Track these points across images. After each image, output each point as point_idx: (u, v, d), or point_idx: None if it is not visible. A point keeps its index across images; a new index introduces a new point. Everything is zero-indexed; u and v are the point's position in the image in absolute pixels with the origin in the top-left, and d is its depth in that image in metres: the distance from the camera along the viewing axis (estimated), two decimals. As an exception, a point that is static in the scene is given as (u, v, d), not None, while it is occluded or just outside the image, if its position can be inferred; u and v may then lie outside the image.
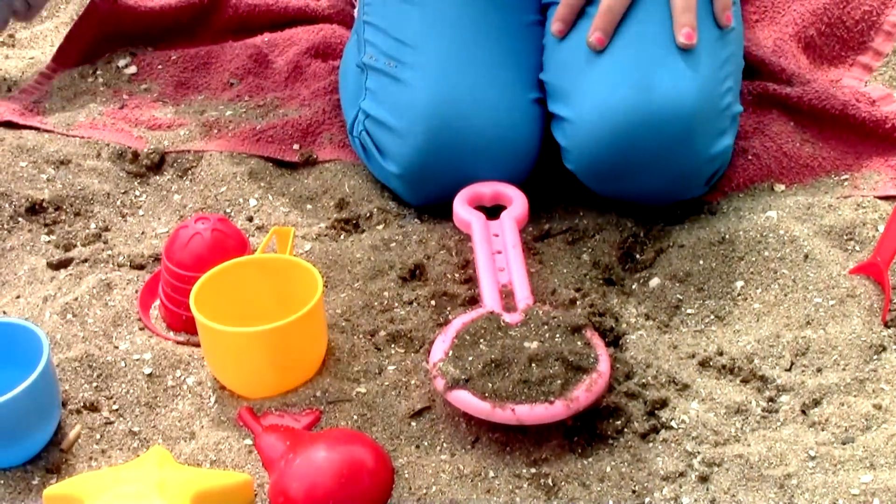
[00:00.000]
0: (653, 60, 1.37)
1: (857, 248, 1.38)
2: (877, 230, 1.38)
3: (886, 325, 1.28)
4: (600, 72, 1.39)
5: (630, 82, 1.36)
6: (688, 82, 1.36)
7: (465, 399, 1.16)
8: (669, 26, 1.38)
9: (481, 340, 1.20)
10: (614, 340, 1.30)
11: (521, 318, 1.22)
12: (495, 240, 1.34)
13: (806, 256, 1.36)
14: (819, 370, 1.25)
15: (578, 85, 1.41)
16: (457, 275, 1.39)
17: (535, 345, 1.18)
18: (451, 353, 1.20)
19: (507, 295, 1.28)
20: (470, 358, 1.18)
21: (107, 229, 1.50)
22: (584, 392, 1.16)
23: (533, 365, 1.16)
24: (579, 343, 1.20)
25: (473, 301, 1.34)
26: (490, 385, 1.16)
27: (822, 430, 1.18)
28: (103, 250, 1.46)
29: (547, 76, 1.46)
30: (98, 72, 1.81)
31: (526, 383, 1.15)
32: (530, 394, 1.15)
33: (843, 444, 1.16)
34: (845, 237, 1.40)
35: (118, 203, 1.55)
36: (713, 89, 1.40)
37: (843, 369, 1.24)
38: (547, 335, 1.20)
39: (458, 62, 1.44)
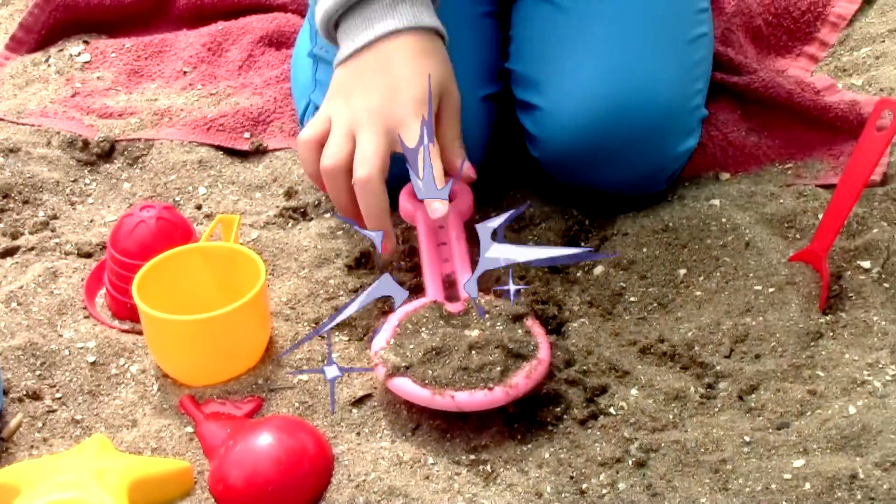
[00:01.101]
0: (629, 54, 1.40)
1: (798, 235, 1.41)
2: (817, 218, 1.40)
3: (824, 313, 1.30)
4: (576, 63, 1.41)
5: (606, 74, 1.39)
6: (662, 78, 1.40)
7: (405, 387, 1.18)
8: (645, 22, 1.42)
9: (423, 329, 1.21)
10: (557, 328, 1.32)
11: (463, 308, 1.24)
12: (441, 231, 1.36)
13: (747, 244, 1.38)
14: (757, 357, 1.27)
15: (553, 75, 1.43)
16: (402, 263, 1.40)
17: (475, 333, 1.20)
18: (392, 341, 1.21)
19: (450, 285, 1.29)
20: (411, 346, 1.20)
21: (55, 217, 1.52)
22: (523, 379, 1.17)
23: (473, 352, 1.18)
24: (520, 331, 1.21)
25: (419, 289, 1.36)
26: (430, 372, 1.17)
27: (758, 416, 1.20)
28: (51, 238, 1.47)
29: (516, 65, 1.48)
30: (51, 59, 1.83)
31: (466, 370, 1.17)
32: (470, 381, 1.16)
33: (778, 429, 1.18)
34: (786, 225, 1.42)
35: (67, 191, 1.56)
36: (685, 88, 1.44)
37: (781, 356, 1.26)
38: (488, 324, 1.21)
39: None
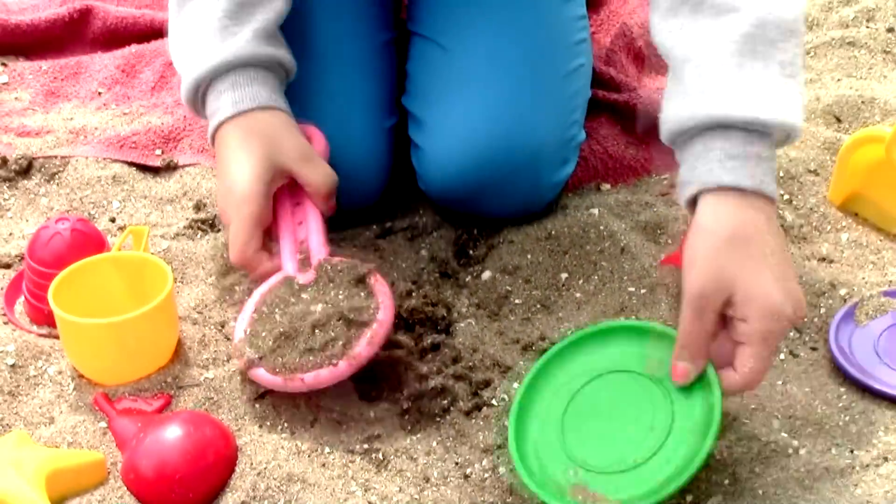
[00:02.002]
0: (504, 93, 1.46)
1: (669, 241, 1.51)
2: (686, 225, 1.49)
3: (691, 311, 1.41)
4: (453, 103, 1.47)
5: (481, 114, 1.45)
6: (538, 114, 1.47)
7: (261, 376, 1.27)
8: (520, 60, 1.48)
9: (276, 311, 1.30)
10: (446, 328, 1.41)
11: (314, 277, 1.32)
12: (297, 209, 1.41)
13: (623, 249, 1.48)
14: (630, 352, 1.37)
15: (431, 116, 1.50)
16: (304, 270, 1.49)
17: (319, 308, 1.28)
18: (248, 330, 1.30)
19: (303, 253, 1.36)
20: (263, 334, 1.28)
21: (-25, 231, 1.59)
22: (365, 347, 1.26)
23: (316, 332, 1.26)
24: (362, 295, 1.30)
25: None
26: (280, 360, 1.26)
27: (628, 405, 1.30)
28: (-29, 250, 1.54)
29: (407, 102, 1.55)
30: (-30, 81, 1.89)
31: (311, 351, 1.25)
32: (316, 361, 1.25)
33: (645, 416, 1.28)
34: (658, 231, 1.52)
35: (-13, 206, 1.63)
36: (561, 120, 1.51)
37: (651, 350, 1.37)
38: (332, 293, 1.30)
39: (317, 91, 1.50)
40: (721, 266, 1.12)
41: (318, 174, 1.36)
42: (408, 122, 1.55)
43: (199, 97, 1.39)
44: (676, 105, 1.20)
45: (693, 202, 1.19)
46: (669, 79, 1.23)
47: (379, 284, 1.32)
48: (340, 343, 1.26)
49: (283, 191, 1.39)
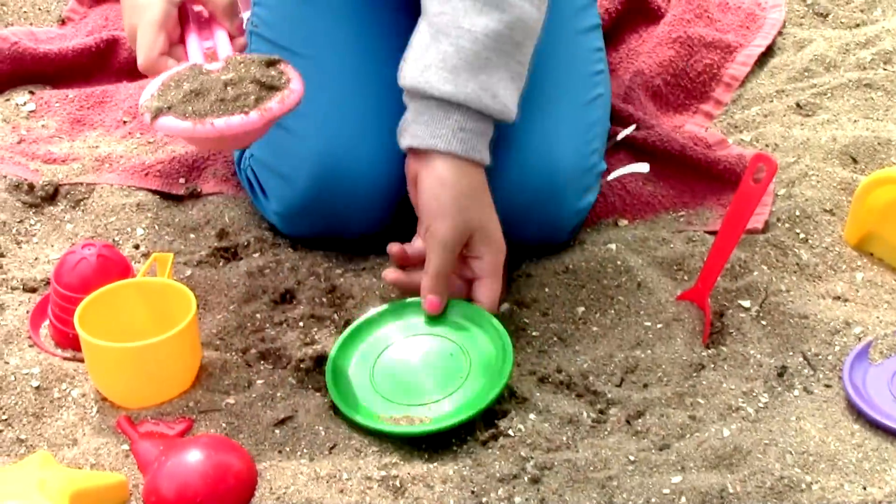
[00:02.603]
0: (526, 120, 1.46)
1: (686, 277, 1.53)
2: (703, 261, 1.51)
3: (706, 347, 1.42)
4: None
5: (501, 142, 1.45)
6: (559, 146, 1.49)
7: (168, 124, 1.28)
8: (542, 87, 1.49)
9: (185, 83, 1.31)
10: (464, 359, 1.43)
11: (223, 65, 1.33)
12: (203, 23, 1.45)
13: (639, 284, 1.50)
14: (645, 385, 1.39)
15: None
16: (324, 299, 1.51)
17: (231, 75, 1.30)
18: (156, 93, 1.31)
19: (212, 56, 1.39)
20: (172, 92, 1.30)
21: (2, 255, 1.60)
22: (277, 104, 1.28)
23: (228, 88, 1.28)
24: (273, 72, 1.32)
25: (342, 323, 1.47)
26: (190, 108, 1.27)
27: (643, 439, 1.31)
28: (-2, 274, 1.56)
29: None
30: (-2, 108, 1.91)
31: (223, 102, 1.27)
32: (227, 109, 1.27)
33: (660, 450, 1.29)
34: (675, 267, 1.54)
35: (14, 231, 1.65)
36: (581, 150, 1.53)
37: (666, 385, 1.38)
38: (243, 69, 1.31)
39: (340, 114, 1.52)
40: (466, 214, 1.37)
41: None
42: None
43: None
44: (420, 65, 1.39)
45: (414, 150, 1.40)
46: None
47: (289, 68, 1.33)
48: (253, 98, 1.27)
49: (189, 16, 1.43)
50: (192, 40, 1.40)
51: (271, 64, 1.33)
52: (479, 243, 1.38)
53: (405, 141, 1.40)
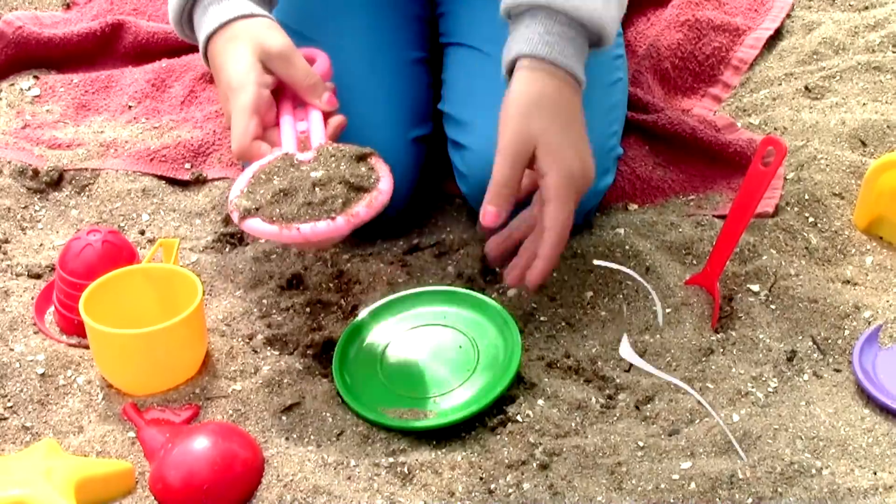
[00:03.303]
0: None
1: (695, 261, 1.52)
2: (712, 246, 1.50)
3: (715, 331, 1.42)
4: (499, 105, 1.48)
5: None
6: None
7: (256, 227, 1.27)
8: None
9: (275, 177, 1.30)
10: (472, 344, 1.43)
11: (314, 156, 1.32)
12: (299, 109, 1.42)
13: (648, 269, 1.50)
14: (654, 371, 1.38)
15: (480, 116, 1.51)
16: (331, 284, 1.50)
17: (320, 173, 1.29)
18: (246, 189, 1.30)
19: (304, 142, 1.37)
20: (261, 191, 1.29)
21: (7, 241, 1.60)
22: (364, 208, 1.27)
23: (317, 189, 1.27)
24: (363, 168, 1.31)
25: (348, 308, 1.47)
26: (277, 211, 1.27)
27: (653, 424, 1.31)
28: (2, 261, 1.55)
29: (447, 107, 1.56)
30: (2, 93, 1.90)
31: (310, 205, 1.26)
32: (314, 213, 1.26)
33: (669, 435, 1.29)
34: (684, 252, 1.53)
35: (18, 217, 1.64)
36: (601, 132, 1.52)
37: (675, 370, 1.37)
38: (333, 165, 1.30)
39: (347, 100, 1.50)
40: (529, 122, 1.31)
41: (296, 69, 1.38)
42: (446, 126, 1.57)
43: (183, 17, 1.44)
44: None
45: (510, 72, 1.36)
46: None
47: (380, 163, 1.33)
48: (340, 201, 1.26)
49: (285, 94, 1.41)
50: (286, 123, 1.38)
51: (362, 158, 1.32)
52: (542, 158, 1.32)
53: (504, 63, 1.38)
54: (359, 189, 1.28)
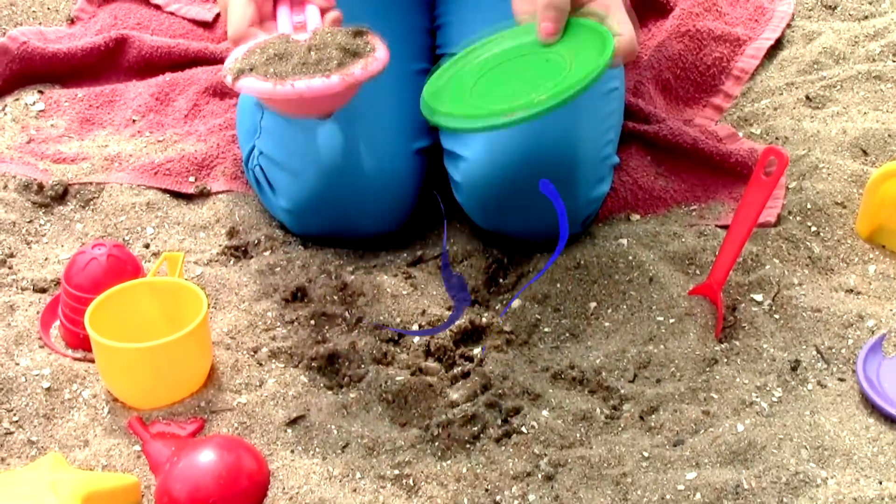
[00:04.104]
0: None
1: (698, 271, 1.52)
2: (715, 256, 1.51)
3: (719, 341, 1.42)
4: None
5: (522, 128, 1.45)
6: (576, 129, 1.49)
7: (249, 84, 1.26)
8: None
9: (269, 49, 1.29)
10: (476, 356, 1.43)
11: (310, 36, 1.32)
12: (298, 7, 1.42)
13: (651, 279, 1.50)
14: (658, 381, 1.38)
15: None
16: (335, 297, 1.50)
17: (316, 41, 1.29)
18: (240, 57, 1.30)
19: (300, 31, 1.36)
20: (256, 56, 1.28)
21: (12, 255, 1.60)
22: (360, 70, 1.26)
23: (312, 52, 1.27)
24: (359, 41, 1.30)
25: (353, 321, 1.47)
26: (272, 69, 1.26)
27: (657, 434, 1.31)
28: (8, 275, 1.55)
29: None
30: (7, 108, 1.90)
31: (305, 65, 1.25)
32: (308, 72, 1.25)
33: (674, 446, 1.29)
34: (687, 262, 1.53)
35: (23, 231, 1.65)
36: (597, 139, 1.53)
37: (679, 380, 1.38)
38: (329, 38, 1.30)
39: (350, 110, 1.52)
40: None
41: None
42: (441, 137, 1.58)
43: None
44: None
45: None
46: None
47: (376, 39, 1.32)
48: (335, 62, 1.26)
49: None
50: (283, 13, 1.38)
51: (358, 34, 1.32)
52: None
53: None
54: (354, 54, 1.28)
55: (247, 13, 1.34)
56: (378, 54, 1.29)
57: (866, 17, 2.01)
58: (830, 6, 2.05)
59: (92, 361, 1.39)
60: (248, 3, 1.35)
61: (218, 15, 2.13)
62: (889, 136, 1.71)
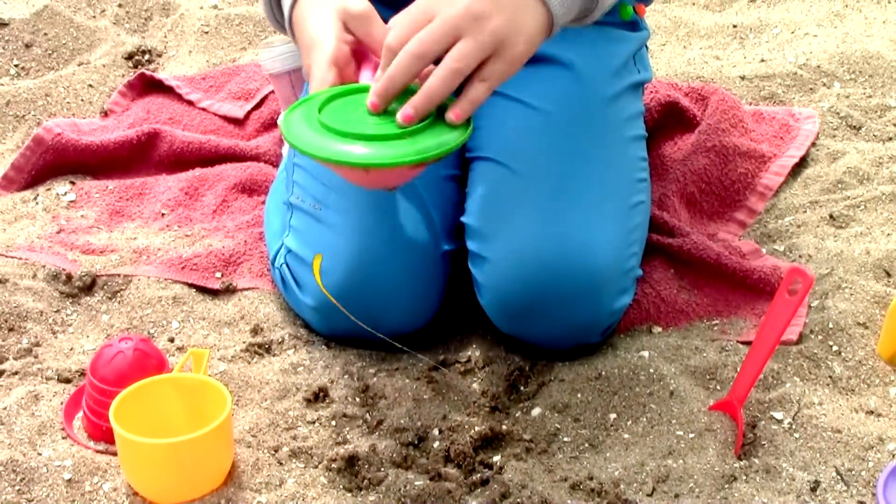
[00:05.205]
0: (571, 216, 1.50)
1: (718, 387, 1.53)
2: (736, 371, 1.52)
3: (739, 458, 1.42)
4: (522, 220, 1.52)
5: (549, 233, 1.49)
6: (601, 240, 1.51)
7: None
8: (589, 188, 1.53)
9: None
10: (495, 464, 1.43)
11: None
12: None
13: (672, 393, 1.50)
14: (677, 496, 1.38)
15: (501, 230, 1.53)
16: (357, 398, 1.51)
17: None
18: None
19: None
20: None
21: (38, 345, 1.61)
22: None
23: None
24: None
25: (374, 424, 1.48)
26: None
27: (675, 551, 1.31)
28: (33, 364, 1.57)
29: (469, 219, 1.58)
30: (39, 197, 1.93)
31: None
32: None
33: (692, 563, 1.29)
34: (708, 377, 1.54)
35: (50, 321, 1.66)
36: (622, 251, 1.55)
37: (698, 496, 1.37)
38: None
39: (378, 212, 1.55)
40: None
41: (376, 30, 1.37)
42: (467, 239, 1.59)
43: (273, 2, 1.49)
44: None
45: None
46: None
47: None
48: None
49: (366, 58, 1.41)
50: (365, 78, 1.39)
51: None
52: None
53: None
54: None
55: (328, 77, 1.35)
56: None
57: (891, 139, 2.03)
58: (855, 126, 2.07)
59: (114, 454, 1.40)
60: (329, 66, 1.35)
61: (249, 112, 2.16)
62: (912, 258, 1.72)
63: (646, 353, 1.56)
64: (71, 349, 1.61)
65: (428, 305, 1.61)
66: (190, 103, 2.19)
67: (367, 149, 1.25)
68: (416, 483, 1.38)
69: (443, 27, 1.27)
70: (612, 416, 1.50)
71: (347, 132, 1.26)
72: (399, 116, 1.27)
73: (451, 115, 1.29)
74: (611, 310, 1.55)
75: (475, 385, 1.55)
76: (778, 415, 1.47)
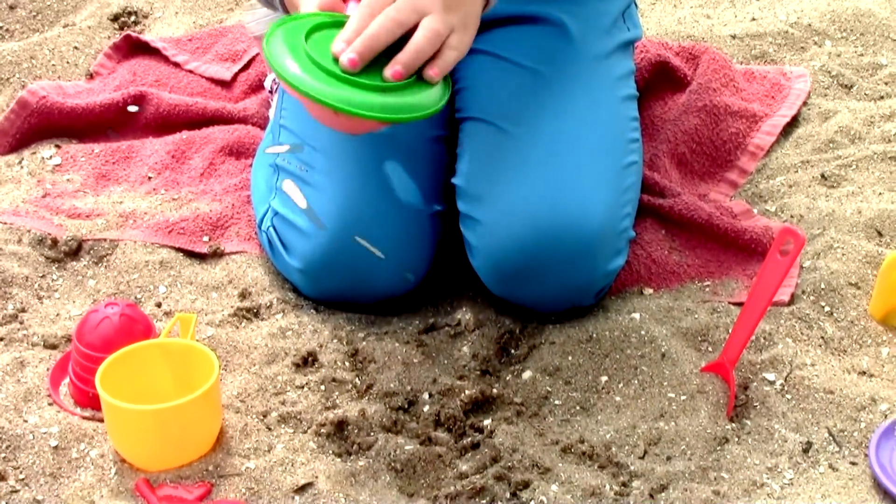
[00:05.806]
0: (565, 177, 1.49)
1: (710, 348, 1.52)
2: (728, 333, 1.51)
3: (730, 420, 1.41)
4: (516, 182, 1.50)
5: (542, 194, 1.48)
6: (595, 201, 1.50)
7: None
8: (582, 148, 1.52)
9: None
10: (486, 427, 1.42)
11: None
12: None
13: (663, 355, 1.50)
14: (668, 458, 1.38)
15: (493, 192, 1.52)
16: (346, 362, 1.50)
17: None
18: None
19: None
20: None
21: (23, 310, 1.60)
22: None
23: None
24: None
25: (364, 388, 1.47)
26: None
27: (667, 513, 1.31)
28: (19, 330, 1.55)
29: (460, 180, 1.57)
30: (23, 161, 1.91)
31: None
32: None
33: (684, 525, 1.29)
34: (699, 338, 1.53)
35: (36, 286, 1.65)
36: (616, 211, 1.54)
37: (690, 458, 1.37)
38: None
39: (365, 172, 1.54)
40: None
41: None
42: (458, 201, 1.57)
43: None
44: None
45: None
46: None
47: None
48: None
49: None
50: (352, 10, 1.37)
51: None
52: None
53: None
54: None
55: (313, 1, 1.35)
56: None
57: (882, 98, 2.02)
58: (847, 85, 2.05)
59: (100, 420, 1.39)
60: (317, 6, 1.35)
61: (236, 74, 2.13)
62: (904, 217, 1.71)
63: (637, 315, 1.55)
64: (57, 315, 1.60)
65: (417, 267, 1.60)
66: (176, 65, 2.17)
67: (347, 93, 1.26)
68: (407, 447, 1.37)
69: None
70: (604, 378, 1.49)
71: (331, 71, 1.27)
72: (389, 73, 1.28)
73: (430, 73, 1.31)
74: (605, 271, 1.54)
75: (465, 348, 1.54)
76: (770, 376, 1.47)
